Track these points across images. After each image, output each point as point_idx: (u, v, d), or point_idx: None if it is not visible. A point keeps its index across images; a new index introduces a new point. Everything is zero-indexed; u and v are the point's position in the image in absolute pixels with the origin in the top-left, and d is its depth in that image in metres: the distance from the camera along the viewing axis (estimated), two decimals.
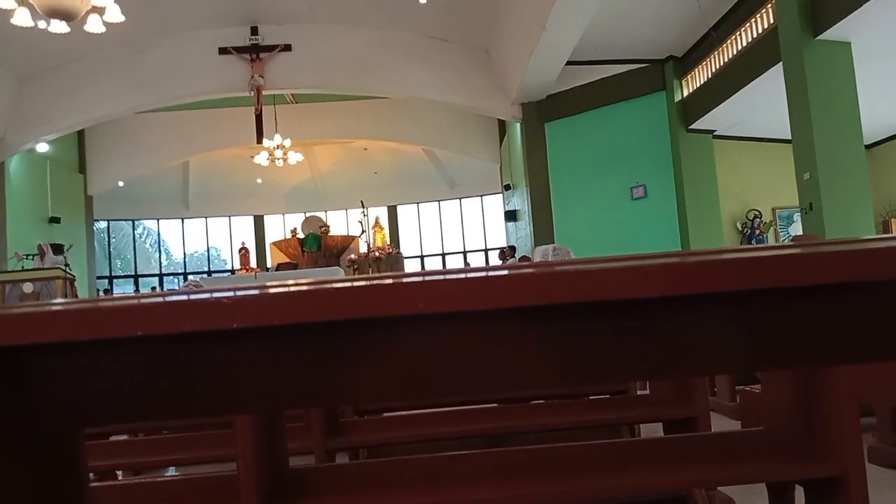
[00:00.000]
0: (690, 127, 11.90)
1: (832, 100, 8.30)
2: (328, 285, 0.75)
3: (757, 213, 12.76)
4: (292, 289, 0.75)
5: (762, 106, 10.55)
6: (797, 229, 12.24)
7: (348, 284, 0.76)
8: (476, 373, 0.93)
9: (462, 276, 0.80)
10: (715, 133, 12.06)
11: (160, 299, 0.76)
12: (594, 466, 2.00)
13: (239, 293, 0.74)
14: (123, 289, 18.08)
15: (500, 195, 16.86)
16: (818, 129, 8.22)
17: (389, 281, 0.77)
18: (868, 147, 10.77)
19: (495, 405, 3.31)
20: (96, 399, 0.88)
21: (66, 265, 10.88)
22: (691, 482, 2.15)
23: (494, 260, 16.90)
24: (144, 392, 0.89)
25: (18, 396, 0.87)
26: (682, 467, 1.95)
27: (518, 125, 13.57)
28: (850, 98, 8.36)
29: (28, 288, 9.95)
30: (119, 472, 3.42)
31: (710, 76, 11.22)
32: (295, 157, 14.92)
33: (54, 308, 0.79)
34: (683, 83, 12.13)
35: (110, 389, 0.89)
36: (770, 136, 12.14)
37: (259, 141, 13.89)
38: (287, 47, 13.13)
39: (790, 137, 8.84)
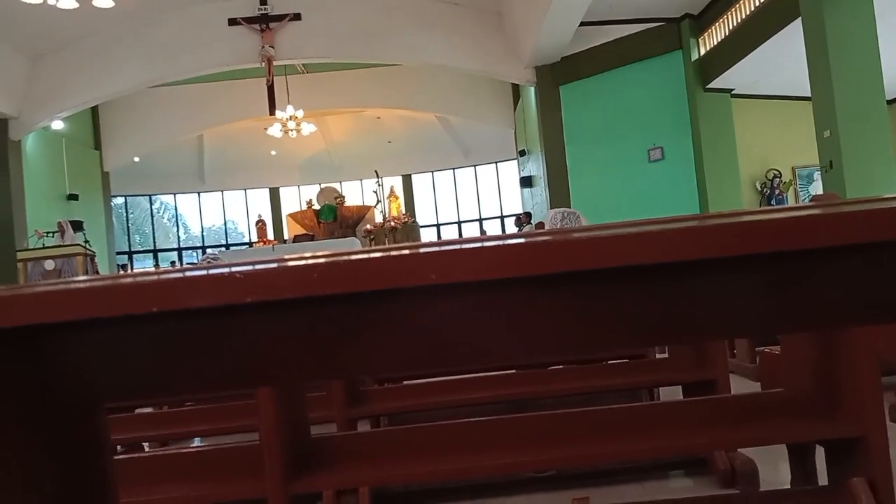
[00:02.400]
0: (708, 86, 11.69)
1: (852, 55, 8.10)
2: (338, 258, 0.75)
3: (776, 172, 12.58)
4: (303, 262, 0.75)
5: (781, 63, 10.33)
6: (817, 188, 12.08)
7: (358, 257, 0.76)
8: (494, 341, 0.93)
9: (472, 245, 0.79)
10: (733, 92, 11.84)
11: (174, 275, 0.76)
12: (613, 431, 2.01)
13: (251, 268, 0.74)
14: (143, 264, 18.27)
15: (515, 161, 16.74)
16: (838, 85, 8.05)
17: (400, 253, 0.76)
18: (889, 103, 10.53)
19: (514, 372, 3.33)
20: (116, 375, 0.89)
21: (86, 241, 10.99)
22: (711, 444, 2.16)
23: (511, 227, 16.84)
24: (163, 367, 0.90)
25: (40, 373, 0.88)
26: (701, 430, 1.96)
27: (532, 89, 13.41)
28: (872, 53, 8.16)
29: (49, 265, 10.08)
30: (146, 444, 3.49)
31: (727, 34, 10.99)
32: (308, 128, 14.88)
33: (70, 287, 0.80)
34: (700, 42, 11.88)
35: (129, 365, 0.90)
36: (789, 94, 11.91)
37: (272, 112, 13.85)
38: (297, 16, 13.01)
39: (810, 95, 8.67)
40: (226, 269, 0.74)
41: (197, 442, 3.63)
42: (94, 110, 15.39)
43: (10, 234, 12.05)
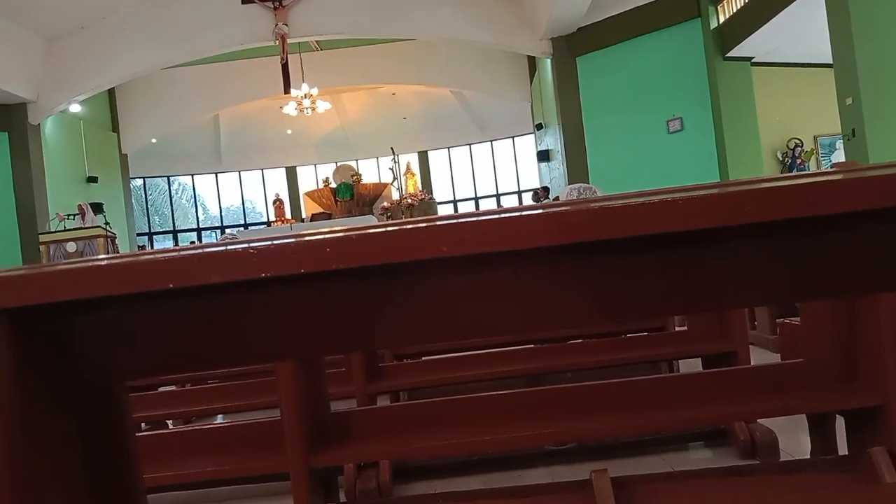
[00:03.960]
0: (727, 55, 11.48)
1: (875, 20, 7.90)
2: (350, 233, 0.75)
3: (798, 141, 12.38)
4: (316, 237, 0.75)
5: (802, 30, 10.11)
6: (839, 157, 11.88)
7: (369, 232, 0.76)
8: (511, 313, 0.93)
9: (482, 218, 0.79)
10: (753, 60, 11.62)
11: (190, 252, 0.76)
12: (633, 403, 2.01)
13: (265, 244, 0.75)
14: (163, 244, 18.46)
15: (532, 135, 16.62)
16: (860, 51, 7.87)
17: (411, 226, 0.76)
18: None
19: (533, 346, 3.33)
20: (136, 352, 0.90)
21: (107, 223, 11.11)
22: (731, 416, 2.16)
23: (528, 202, 16.77)
24: (182, 343, 0.91)
25: (63, 351, 0.89)
26: (721, 401, 1.95)
27: (548, 61, 13.25)
28: (894, 18, 7.96)
29: (72, 247, 10.21)
30: (169, 422, 3.55)
31: (746, 0, 10.77)
32: (323, 106, 14.86)
33: (89, 265, 0.81)
34: (719, 9, 11.64)
35: (150, 342, 0.91)
36: (811, 62, 11.67)
37: (287, 91, 13.83)
38: None
39: (831, 62, 8.50)
40: (240, 245, 0.75)
41: (219, 419, 3.69)
42: (111, 93, 15.46)
43: (32, 217, 12.21)
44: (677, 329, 3.48)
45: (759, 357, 3.73)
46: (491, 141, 19.06)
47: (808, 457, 2.07)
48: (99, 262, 0.79)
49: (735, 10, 11.15)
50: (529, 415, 2.01)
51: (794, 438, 2.44)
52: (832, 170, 1.12)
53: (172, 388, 3.63)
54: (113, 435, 0.92)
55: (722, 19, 11.59)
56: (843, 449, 1.96)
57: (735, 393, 1.98)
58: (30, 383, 0.83)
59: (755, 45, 11.03)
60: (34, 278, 0.79)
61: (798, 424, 2.31)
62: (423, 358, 3.49)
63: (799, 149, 12.36)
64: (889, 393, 1.67)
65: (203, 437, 2.24)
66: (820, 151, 12.57)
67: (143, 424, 3.36)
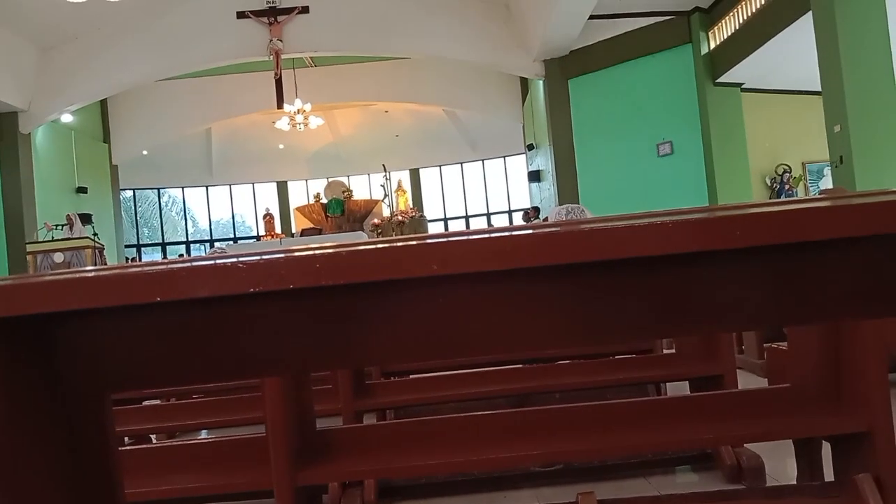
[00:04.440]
0: (718, 80, 11.62)
1: (863, 49, 8.03)
2: (340, 249, 0.75)
3: (786, 167, 12.50)
4: (305, 253, 0.75)
5: (791, 57, 10.26)
6: (827, 184, 11.99)
7: (359, 248, 0.76)
8: (498, 332, 0.93)
9: (472, 237, 0.79)
10: (743, 86, 11.77)
11: (178, 265, 0.76)
12: (620, 425, 2.01)
13: (254, 258, 0.74)
14: (151, 256, 18.35)
15: (524, 155, 16.71)
16: (849, 79, 7.98)
17: (401, 244, 0.76)
18: None
19: (520, 366, 3.33)
20: (122, 364, 0.90)
21: (95, 234, 11.05)
22: (718, 439, 2.15)
23: (518, 221, 16.81)
24: (169, 356, 0.90)
25: (48, 362, 0.88)
26: (708, 425, 1.95)
27: (541, 82, 13.37)
28: (883, 47, 8.08)
29: (59, 258, 10.14)
30: (153, 436, 3.51)
31: (737, 27, 10.92)
32: (316, 122, 14.89)
33: (76, 276, 0.80)
34: (710, 35, 11.81)
35: (136, 355, 0.90)
36: (800, 89, 11.83)
37: (279, 106, 13.87)
38: (305, 9, 13.02)
39: (820, 89, 8.61)
40: (229, 260, 0.74)
41: (204, 434, 3.65)
42: (103, 103, 15.45)
43: (20, 226, 12.13)
44: (665, 352, 3.49)
45: (746, 381, 3.73)
46: (482, 160, 19.14)
47: (795, 482, 2.07)
48: (86, 274, 0.78)
49: (726, 37, 11.31)
50: (516, 435, 2.00)
51: (780, 463, 2.44)
52: (820, 196, 1.14)
53: (157, 402, 3.59)
54: (96, 447, 0.91)
55: (713, 45, 11.75)
56: (829, 474, 1.96)
57: (722, 416, 1.98)
58: (14, 393, 0.82)
59: (745, 72, 11.18)
60: (20, 288, 0.78)
61: (784, 449, 2.32)
62: (411, 376, 3.48)
63: (787, 174, 12.48)
64: (874, 419, 1.68)
65: (187, 452, 2.21)
66: (808, 178, 12.70)
67: (126, 438, 3.32)
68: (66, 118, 13.84)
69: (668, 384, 3.46)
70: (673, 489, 2.45)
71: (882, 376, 1.70)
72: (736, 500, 1.78)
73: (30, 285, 0.80)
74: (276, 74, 13.45)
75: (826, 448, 1.97)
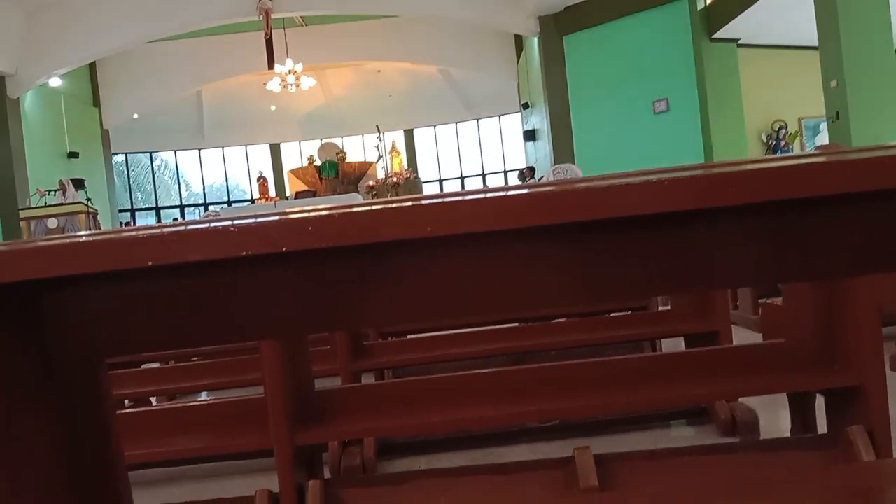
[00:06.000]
0: (714, 36, 11.49)
1: (861, 3, 7.93)
2: (332, 212, 0.74)
3: (782, 123, 12.44)
4: (298, 216, 0.74)
5: (788, 12, 10.12)
6: (823, 139, 11.95)
7: (351, 211, 0.75)
8: (494, 293, 0.93)
9: (466, 198, 0.78)
10: (739, 42, 11.63)
11: (170, 230, 0.75)
12: (616, 381, 2.03)
13: (246, 222, 0.74)
14: (146, 221, 18.27)
15: (519, 114, 16.57)
16: (846, 34, 7.90)
17: (395, 205, 0.76)
18: None
19: (517, 325, 3.35)
20: (117, 330, 0.90)
21: (88, 199, 10.98)
22: (713, 394, 2.18)
23: (514, 181, 16.75)
24: (163, 321, 0.90)
25: (39, 329, 0.88)
26: (703, 380, 1.97)
27: (535, 40, 13.18)
28: (880, 1, 7.98)
29: (52, 223, 10.10)
30: (153, 399, 3.54)
31: None
32: (307, 82, 14.70)
33: (68, 241, 0.79)
34: None
35: (130, 320, 0.90)
36: (797, 44, 11.70)
37: (270, 66, 13.67)
38: None
39: (817, 44, 8.52)
40: (221, 224, 0.74)
41: (203, 396, 3.68)
42: (92, 67, 15.21)
43: (12, 192, 12.04)
44: (660, 309, 3.51)
45: (741, 337, 3.77)
46: (477, 119, 18.97)
47: (788, 435, 2.10)
48: (77, 239, 0.78)
49: None
50: (513, 393, 2.02)
51: (774, 416, 2.47)
52: (816, 152, 1.13)
53: (156, 365, 3.62)
54: (92, 412, 0.92)
55: (709, 0, 11.56)
56: (822, 427, 1.99)
57: (716, 372, 2.00)
58: (7, 359, 0.82)
59: (742, 27, 11.05)
60: (10, 255, 0.78)
61: (778, 403, 2.35)
62: (408, 336, 3.50)
63: (783, 131, 12.42)
64: (867, 373, 1.70)
65: (187, 413, 2.23)
66: (804, 134, 12.65)
67: (126, 401, 3.35)
68: (55, 82, 13.63)
69: (663, 341, 3.49)
70: (668, 443, 2.49)
71: (875, 331, 1.71)
72: (730, 453, 1.81)
73: (20, 251, 0.80)
74: (266, 34, 13.23)
75: (819, 402, 1.99)
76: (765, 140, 12.48)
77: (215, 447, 2.06)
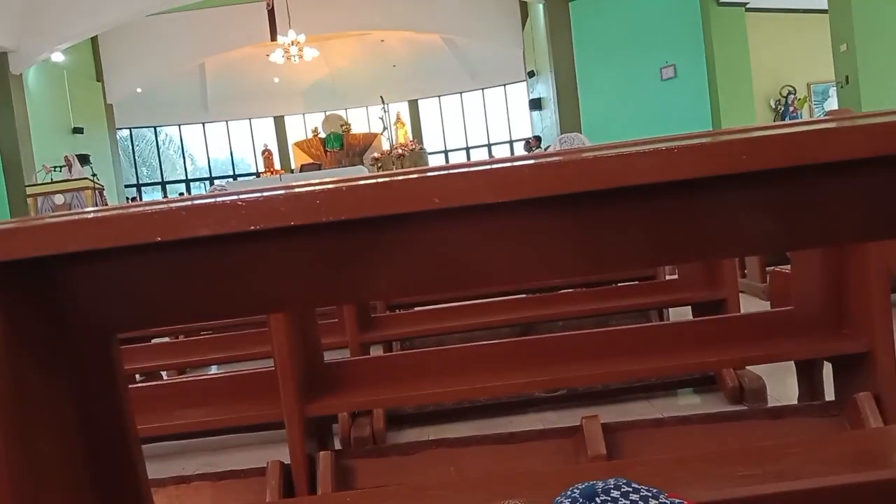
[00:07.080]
0: (721, 0, 11.30)
1: None
2: (340, 185, 0.74)
3: (791, 89, 12.29)
4: (305, 189, 0.74)
5: None
6: (833, 104, 11.82)
7: (359, 183, 0.75)
8: (501, 264, 0.93)
9: (473, 169, 0.78)
10: (747, 6, 11.45)
11: (178, 205, 0.75)
12: (623, 351, 2.04)
13: (253, 196, 0.74)
14: (152, 196, 18.28)
15: (525, 83, 16.41)
16: None
17: (402, 178, 0.75)
18: None
19: (524, 296, 3.36)
20: (126, 305, 0.90)
21: (94, 175, 10.99)
22: (720, 363, 2.18)
23: (520, 151, 16.65)
24: (172, 296, 0.90)
25: (53, 305, 0.89)
26: (710, 348, 1.98)
27: (541, 6, 12.99)
28: None
29: (59, 199, 10.12)
30: (164, 373, 3.57)
31: None
32: (310, 53, 14.57)
33: (77, 218, 0.80)
34: None
35: (140, 295, 0.90)
36: (805, 7, 11.51)
37: (273, 37, 13.54)
38: None
39: (826, 7, 8.38)
40: (228, 198, 0.74)
41: (214, 369, 3.72)
42: (94, 41, 15.10)
43: (18, 169, 12.04)
44: (668, 278, 3.51)
45: (749, 305, 3.77)
46: (482, 89, 18.78)
47: (796, 402, 2.11)
48: (86, 216, 0.78)
49: None
50: (520, 363, 2.03)
51: (781, 384, 2.48)
52: (825, 118, 1.11)
53: (166, 339, 3.65)
54: (105, 387, 0.93)
55: None
56: (829, 394, 2.00)
57: (724, 340, 2.00)
58: (19, 337, 0.83)
59: None
60: (21, 231, 0.78)
61: (786, 371, 2.35)
62: (416, 308, 3.52)
63: (792, 96, 12.28)
64: (875, 340, 1.70)
65: (197, 387, 2.26)
66: (813, 99, 12.50)
67: (137, 376, 3.39)
68: (58, 57, 13.55)
69: (670, 310, 3.49)
70: (676, 411, 2.50)
71: (884, 297, 1.71)
72: (737, 420, 1.82)
73: (31, 228, 0.80)
74: (268, 4, 13.09)
75: (827, 368, 2.00)
76: (773, 106, 12.35)
77: (227, 420, 2.09)
